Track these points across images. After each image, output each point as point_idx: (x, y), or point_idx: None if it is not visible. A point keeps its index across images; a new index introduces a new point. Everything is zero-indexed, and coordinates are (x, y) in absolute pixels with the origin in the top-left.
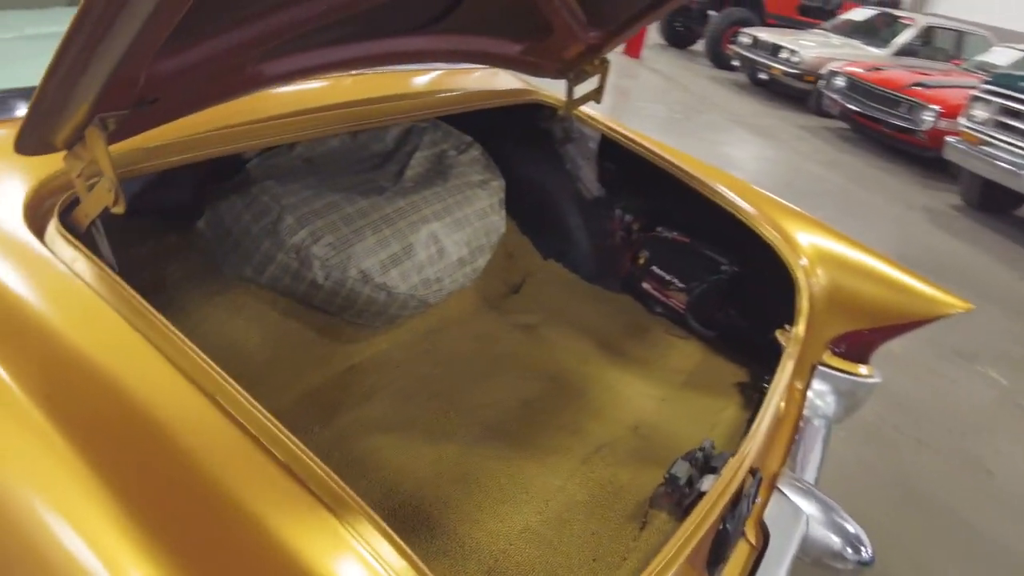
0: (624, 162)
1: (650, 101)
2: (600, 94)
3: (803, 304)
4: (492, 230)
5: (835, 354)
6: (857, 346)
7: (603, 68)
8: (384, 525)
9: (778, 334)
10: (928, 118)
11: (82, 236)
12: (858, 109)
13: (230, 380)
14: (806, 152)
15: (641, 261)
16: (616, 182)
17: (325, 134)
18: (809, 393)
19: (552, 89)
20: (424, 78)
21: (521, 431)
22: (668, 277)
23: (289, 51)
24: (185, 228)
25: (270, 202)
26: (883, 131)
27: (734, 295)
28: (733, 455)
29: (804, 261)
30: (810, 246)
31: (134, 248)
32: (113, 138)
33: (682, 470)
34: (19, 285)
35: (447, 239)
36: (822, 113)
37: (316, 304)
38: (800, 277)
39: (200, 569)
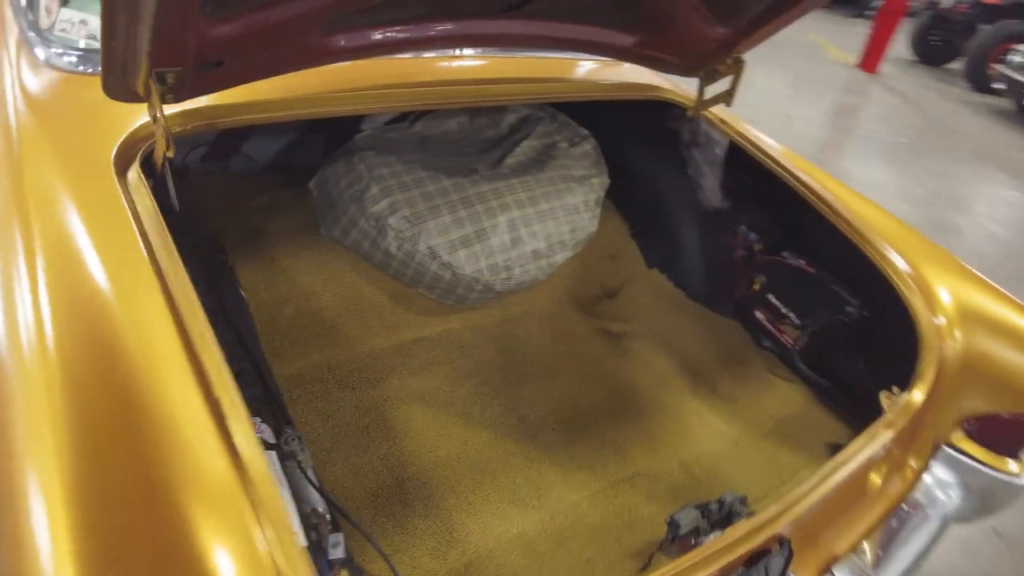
0: (754, 174)
1: (874, 121)
2: (731, 97)
3: (926, 368)
4: (579, 228)
5: (971, 437)
6: (1005, 433)
7: (736, 68)
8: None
9: (882, 396)
10: None
11: (159, 179)
12: None
13: (202, 318)
14: None
15: (757, 286)
16: (743, 195)
17: (441, 107)
18: (927, 477)
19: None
20: (554, 65)
21: (560, 438)
22: (784, 309)
23: (358, 25)
24: (301, 187)
25: (364, 170)
26: None
27: (857, 342)
28: (750, 515)
29: (941, 319)
30: (956, 303)
31: (253, 199)
32: (180, 93)
33: (687, 518)
34: (91, 215)
35: (524, 229)
36: None
37: (391, 273)
38: (928, 334)
39: None
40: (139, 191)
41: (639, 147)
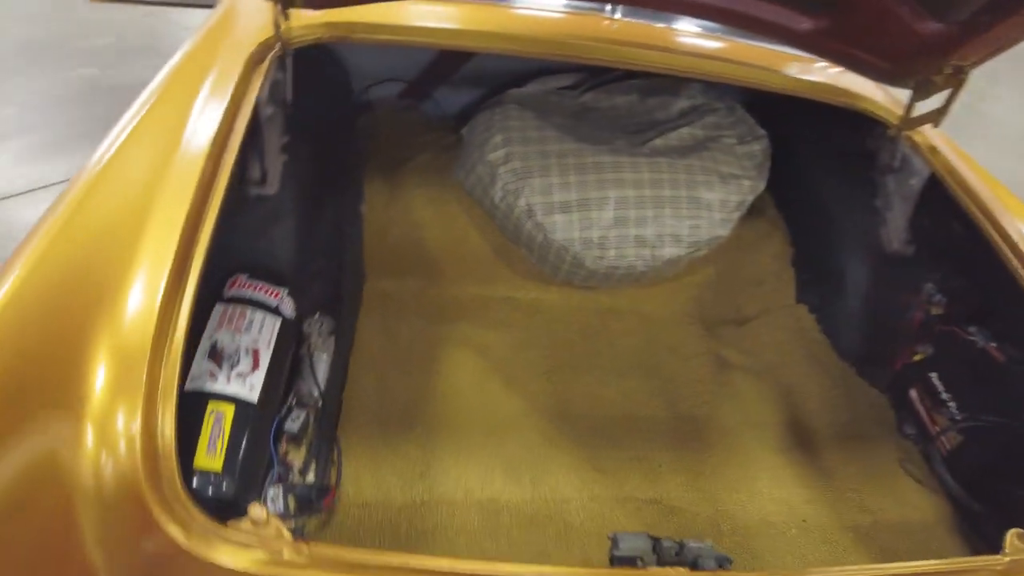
0: (958, 220)
1: None
2: (941, 116)
3: None
4: (703, 227)
5: None
6: None
7: (955, 82)
8: None
9: (1011, 533)
10: None
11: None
12: None
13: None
14: None
15: (919, 358)
16: (938, 244)
17: (616, 65)
18: None
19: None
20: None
21: (593, 435)
22: (945, 395)
23: None
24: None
25: (497, 120)
26: None
27: None
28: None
29: None
30: None
31: (420, 135)
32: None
33: (631, 543)
34: (211, 90)
35: (634, 210)
36: None
37: (497, 224)
38: None
39: None
40: (251, 82)
41: (824, 161)
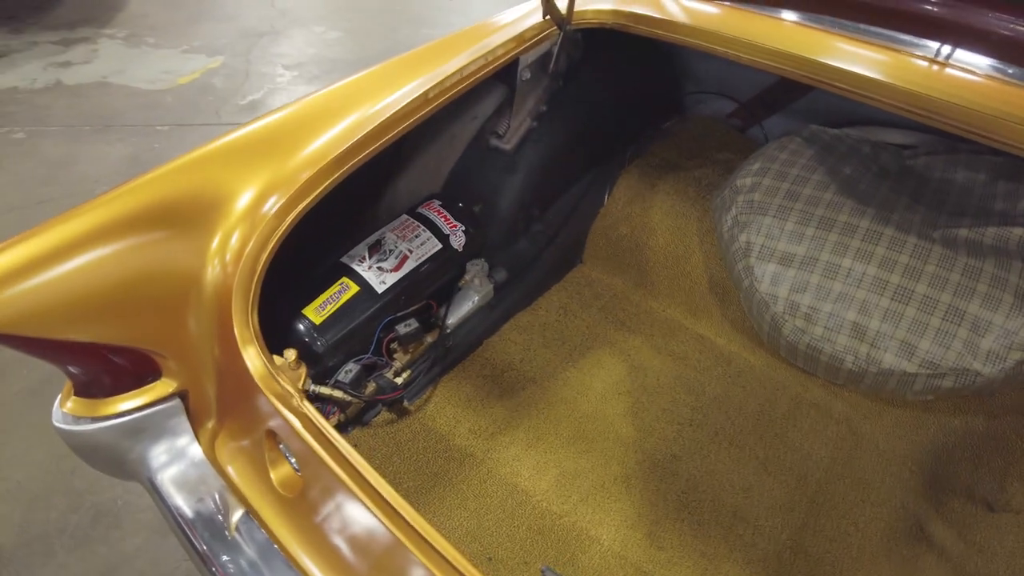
0: None
1: None
2: None
3: None
4: (953, 351)
5: None
6: None
7: None
8: None
9: None
10: None
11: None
12: None
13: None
14: None
15: None
16: None
17: (980, 137)
18: None
19: None
20: None
21: (673, 508)
22: None
23: None
24: None
25: (771, 148)
26: None
27: None
28: None
29: None
30: None
31: (718, 152)
32: None
33: None
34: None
35: (866, 292)
36: None
37: (721, 256)
38: None
39: None
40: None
41: None
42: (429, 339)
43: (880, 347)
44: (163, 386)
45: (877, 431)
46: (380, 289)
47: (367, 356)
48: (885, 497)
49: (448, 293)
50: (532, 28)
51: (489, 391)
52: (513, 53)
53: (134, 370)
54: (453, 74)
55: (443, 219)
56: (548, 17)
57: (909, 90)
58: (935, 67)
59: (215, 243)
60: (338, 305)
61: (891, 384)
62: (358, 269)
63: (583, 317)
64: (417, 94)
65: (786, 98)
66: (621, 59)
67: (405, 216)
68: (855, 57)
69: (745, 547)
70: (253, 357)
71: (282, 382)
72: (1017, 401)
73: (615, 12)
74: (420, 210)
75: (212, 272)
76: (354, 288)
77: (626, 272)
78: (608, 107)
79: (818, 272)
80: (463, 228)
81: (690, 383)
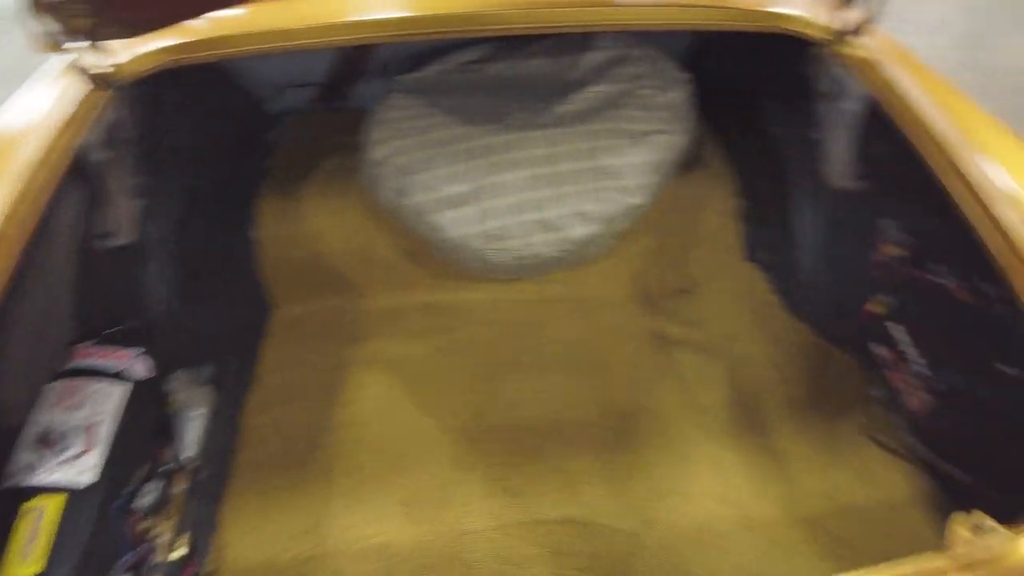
0: (901, 148)
1: None
2: (864, 24)
3: None
4: (614, 201)
5: None
6: None
7: None
8: None
9: (955, 520)
10: None
11: None
12: None
13: None
14: None
15: (878, 310)
16: (892, 174)
17: (515, 29)
18: None
19: None
20: None
21: (510, 452)
22: (911, 350)
23: None
24: None
25: (376, 114)
26: None
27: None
28: None
29: None
30: None
31: (329, 140)
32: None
33: None
34: None
35: (532, 192)
36: None
37: (401, 225)
38: None
39: None
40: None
41: (767, 97)
42: (182, 486)
43: (566, 227)
44: None
45: (595, 289)
46: (88, 480)
47: (125, 559)
48: (631, 332)
49: (166, 428)
50: (79, 105)
51: (274, 490)
52: (73, 140)
53: None
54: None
55: (108, 357)
56: (92, 85)
57: (454, 14)
58: None
59: None
60: (49, 535)
61: (591, 249)
62: (42, 478)
63: (314, 356)
64: None
65: (358, 64)
66: (192, 95)
67: (54, 384)
68: (393, 3)
69: (576, 433)
70: None
71: None
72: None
73: (163, 50)
74: (70, 366)
75: None
76: (55, 501)
77: (322, 290)
78: (210, 146)
79: (487, 197)
80: (136, 351)
81: (448, 347)
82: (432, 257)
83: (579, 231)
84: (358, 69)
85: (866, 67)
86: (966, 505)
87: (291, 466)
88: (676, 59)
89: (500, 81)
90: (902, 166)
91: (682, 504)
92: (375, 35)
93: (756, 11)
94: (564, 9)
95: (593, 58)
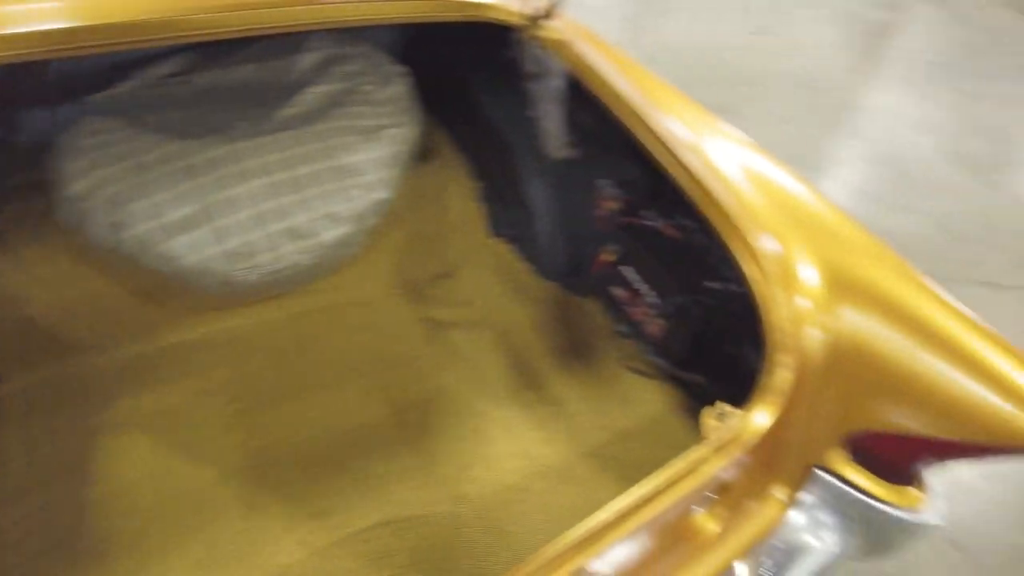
0: (600, 114)
1: (909, 40)
2: (553, 9)
3: (776, 375)
4: (360, 197)
5: (856, 460)
6: (895, 456)
7: None
8: None
9: (704, 415)
10: None
11: None
12: None
13: None
14: None
15: (610, 257)
16: (600, 139)
17: (197, 39)
18: (797, 514)
19: None
20: None
21: (306, 477)
22: (641, 286)
23: None
24: None
25: (72, 139)
26: None
27: (739, 327)
28: None
29: (804, 302)
30: (831, 277)
31: (5, 178)
32: None
33: None
34: None
35: (272, 202)
36: None
37: (121, 263)
38: (778, 325)
39: None
40: None
41: (484, 82)
42: None
43: (317, 231)
44: None
45: (357, 290)
46: None
47: None
48: (403, 324)
49: None
50: None
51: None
52: None
53: None
54: None
55: None
56: None
57: (138, 22)
58: None
59: None
60: None
61: (346, 250)
62: None
63: (63, 429)
64: None
65: (22, 87)
66: None
67: None
68: (61, 11)
69: (371, 437)
70: None
71: None
72: (412, 196)
73: None
74: None
75: None
76: None
77: (49, 355)
78: None
79: (221, 214)
80: None
81: (207, 387)
82: (170, 292)
83: (331, 233)
84: (23, 93)
85: (561, 47)
86: (710, 401)
87: (58, 563)
88: (389, 53)
89: (211, 91)
90: (604, 130)
91: (485, 472)
92: (37, 51)
93: (461, 2)
94: (266, 11)
95: (307, 59)
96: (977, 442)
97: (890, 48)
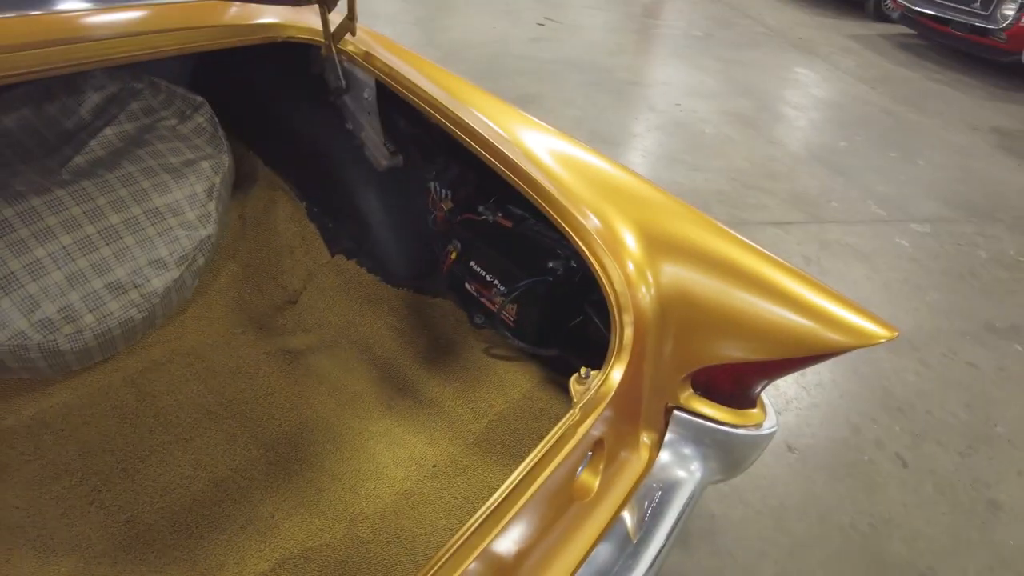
0: (411, 118)
1: (671, 18)
2: (353, 22)
3: (623, 334)
4: (183, 238)
5: (701, 394)
6: (732, 384)
7: None
8: None
9: (572, 382)
10: (1009, 13)
11: None
12: (924, 9)
13: None
14: (849, 67)
15: (455, 254)
16: (420, 143)
17: None
18: (665, 453)
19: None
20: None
21: (183, 537)
22: (488, 276)
23: None
24: None
25: None
26: (953, 34)
27: (580, 300)
28: None
29: (631, 265)
30: (648, 240)
31: None
32: None
33: None
34: None
35: (84, 259)
36: (882, 18)
37: None
38: (618, 289)
39: None
40: None
41: (289, 105)
42: None
43: (141, 282)
44: None
45: (198, 336)
46: None
47: None
48: (256, 361)
49: None
50: None
51: None
52: None
53: None
54: None
55: None
56: None
57: None
58: None
59: None
60: None
61: (176, 296)
62: None
63: None
64: None
65: None
66: None
67: None
68: None
69: (246, 481)
70: None
71: None
72: (238, 228)
73: None
74: None
75: None
76: None
77: None
78: None
79: (28, 280)
80: None
81: (50, 471)
82: None
83: (159, 281)
84: None
85: (366, 58)
86: (572, 369)
87: None
88: (182, 83)
89: None
90: (423, 134)
91: (377, 487)
92: None
93: (255, 24)
94: (31, 52)
95: (90, 99)
96: (792, 357)
97: (657, 27)
